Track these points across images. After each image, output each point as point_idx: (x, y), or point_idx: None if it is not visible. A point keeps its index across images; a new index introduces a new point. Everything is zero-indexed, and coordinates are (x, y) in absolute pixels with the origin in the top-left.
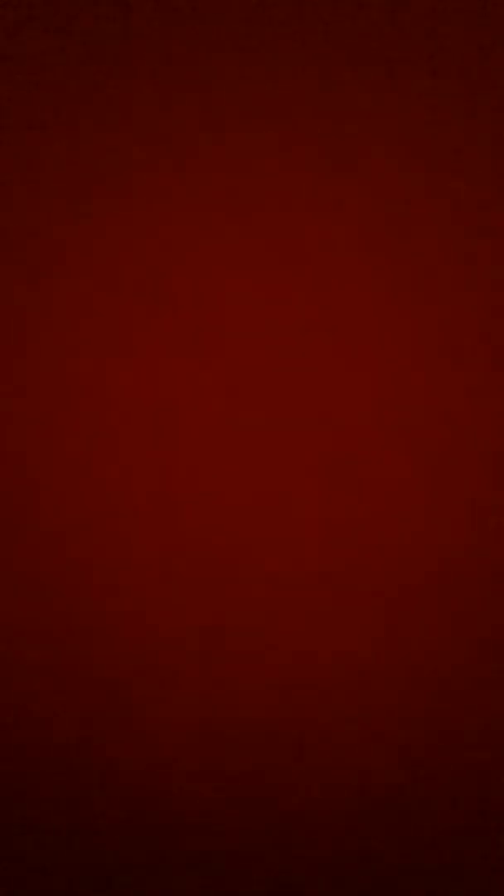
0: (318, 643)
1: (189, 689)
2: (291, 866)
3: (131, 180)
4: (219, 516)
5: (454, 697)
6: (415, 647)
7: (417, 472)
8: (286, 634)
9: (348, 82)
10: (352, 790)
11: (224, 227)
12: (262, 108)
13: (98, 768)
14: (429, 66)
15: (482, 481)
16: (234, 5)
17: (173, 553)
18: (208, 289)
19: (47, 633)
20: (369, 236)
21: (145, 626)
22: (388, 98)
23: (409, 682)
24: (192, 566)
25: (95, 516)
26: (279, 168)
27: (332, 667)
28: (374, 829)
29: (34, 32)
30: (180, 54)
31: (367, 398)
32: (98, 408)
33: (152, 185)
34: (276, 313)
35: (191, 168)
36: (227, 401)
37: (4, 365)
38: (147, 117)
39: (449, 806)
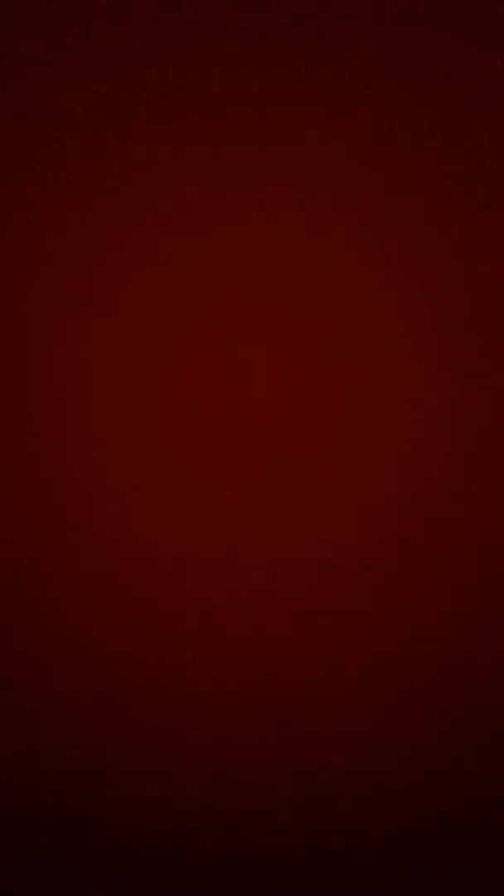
0: (316, 633)
1: (188, 678)
2: (290, 854)
3: (131, 179)
4: (218, 509)
5: (454, 687)
6: (413, 635)
7: (417, 465)
8: (285, 628)
9: (348, 85)
10: (351, 785)
11: (224, 224)
12: (261, 109)
13: (97, 760)
14: (429, 69)
15: (481, 475)
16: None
17: (172, 545)
18: (208, 289)
19: (48, 617)
20: (369, 235)
21: (145, 622)
22: (389, 96)
23: (408, 677)
24: (191, 556)
25: (96, 509)
26: (281, 165)
27: (330, 658)
28: (373, 822)
29: (35, 35)
30: (183, 43)
31: (367, 394)
32: (98, 404)
33: (152, 185)
34: (276, 311)
35: (191, 169)
36: (227, 397)
37: (6, 367)
38: (147, 119)
39: (449, 797)
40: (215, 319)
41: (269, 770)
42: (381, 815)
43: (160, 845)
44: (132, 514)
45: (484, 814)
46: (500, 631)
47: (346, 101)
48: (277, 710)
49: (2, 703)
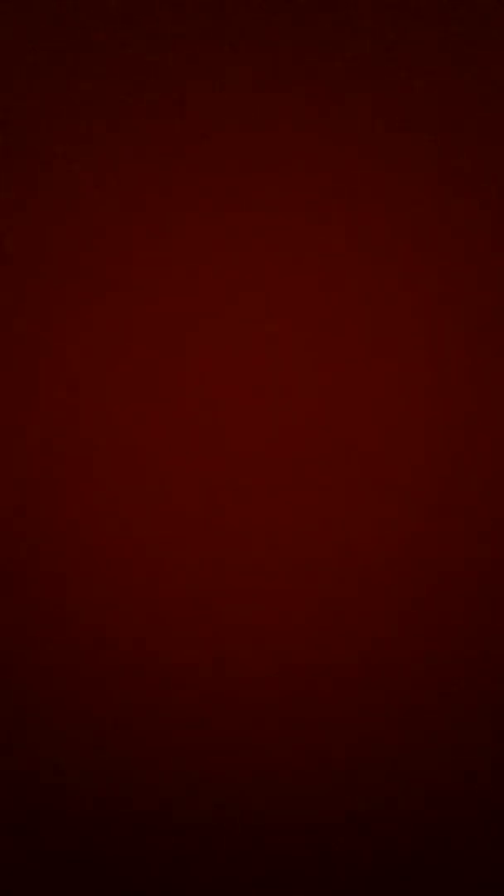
0: (316, 631)
1: (188, 678)
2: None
3: (132, 178)
4: (216, 509)
5: (454, 684)
6: (414, 635)
7: (416, 465)
8: (285, 626)
9: (348, 87)
10: (351, 784)
11: (223, 224)
12: (262, 109)
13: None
14: (429, 72)
15: (482, 476)
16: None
17: (172, 543)
18: (208, 289)
19: (50, 609)
20: (369, 234)
21: (145, 621)
22: (389, 101)
23: (409, 679)
24: (191, 556)
25: (95, 507)
26: (281, 166)
27: (329, 655)
28: (370, 820)
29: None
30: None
31: (367, 394)
32: (99, 404)
33: (153, 185)
34: (275, 313)
35: (192, 170)
36: (226, 397)
37: (8, 369)
38: (149, 121)
39: (449, 795)
40: (215, 320)
41: (269, 768)
42: (381, 816)
43: (159, 845)
44: (130, 514)
45: (485, 812)
46: (501, 627)
47: (347, 101)
48: (277, 708)
49: (2, 702)
